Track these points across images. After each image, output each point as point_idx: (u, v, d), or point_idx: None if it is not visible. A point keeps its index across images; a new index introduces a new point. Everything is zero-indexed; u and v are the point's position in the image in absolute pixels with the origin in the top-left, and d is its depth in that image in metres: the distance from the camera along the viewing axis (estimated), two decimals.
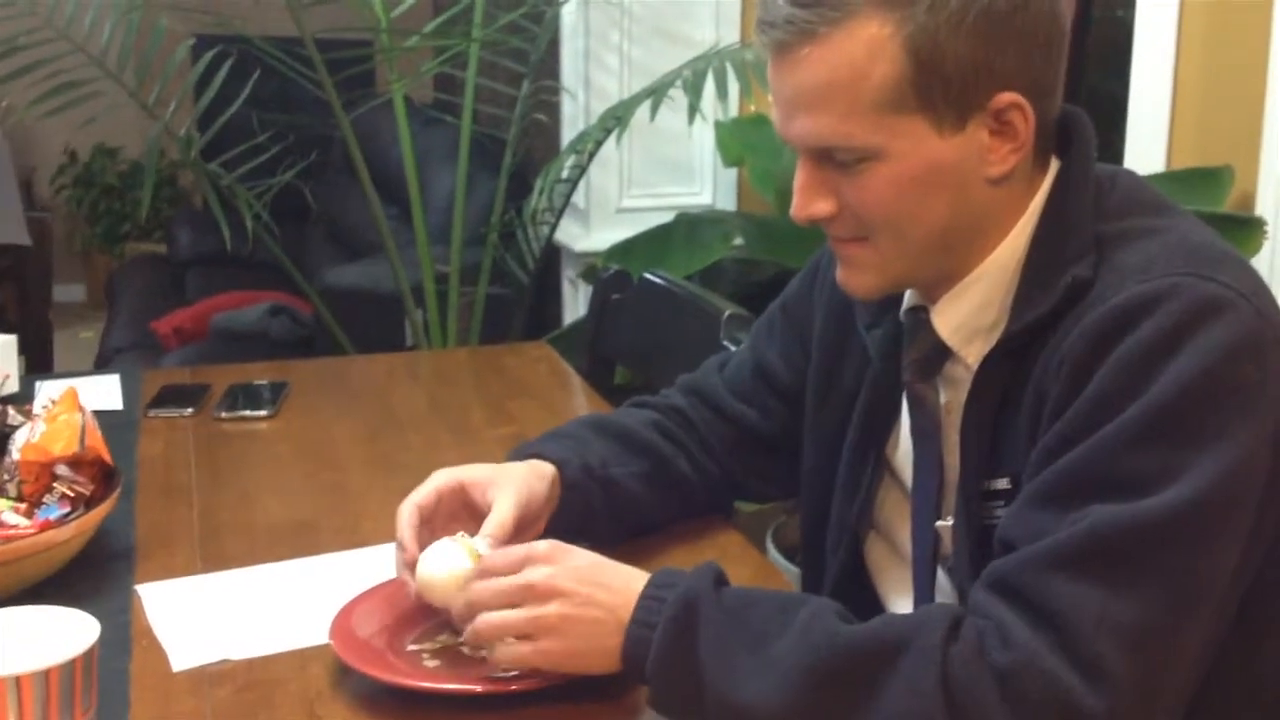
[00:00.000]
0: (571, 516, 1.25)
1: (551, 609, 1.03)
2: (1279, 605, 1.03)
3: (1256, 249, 1.96)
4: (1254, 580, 0.99)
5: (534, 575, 1.04)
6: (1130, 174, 1.12)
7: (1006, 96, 1.01)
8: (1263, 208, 2.02)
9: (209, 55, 2.78)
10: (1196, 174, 2.10)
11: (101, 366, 3.64)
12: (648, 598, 1.02)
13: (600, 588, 1.03)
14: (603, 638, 1.03)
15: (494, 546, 1.13)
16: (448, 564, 1.10)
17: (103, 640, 0.93)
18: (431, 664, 1.11)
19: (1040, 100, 1.03)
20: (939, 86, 1.00)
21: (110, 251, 5.51)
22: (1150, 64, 2.21)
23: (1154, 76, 2.21)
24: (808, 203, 1.07)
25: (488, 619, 1.04)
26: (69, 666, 0.88)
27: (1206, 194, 2.03)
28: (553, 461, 1.26)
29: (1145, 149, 2.21)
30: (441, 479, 1.20)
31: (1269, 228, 1.98)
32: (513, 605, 1.04)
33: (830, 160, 1.05)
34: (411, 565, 1.12)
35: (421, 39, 3.01)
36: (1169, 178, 2.12)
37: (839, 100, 1.01)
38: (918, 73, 1.00)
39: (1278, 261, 1.99)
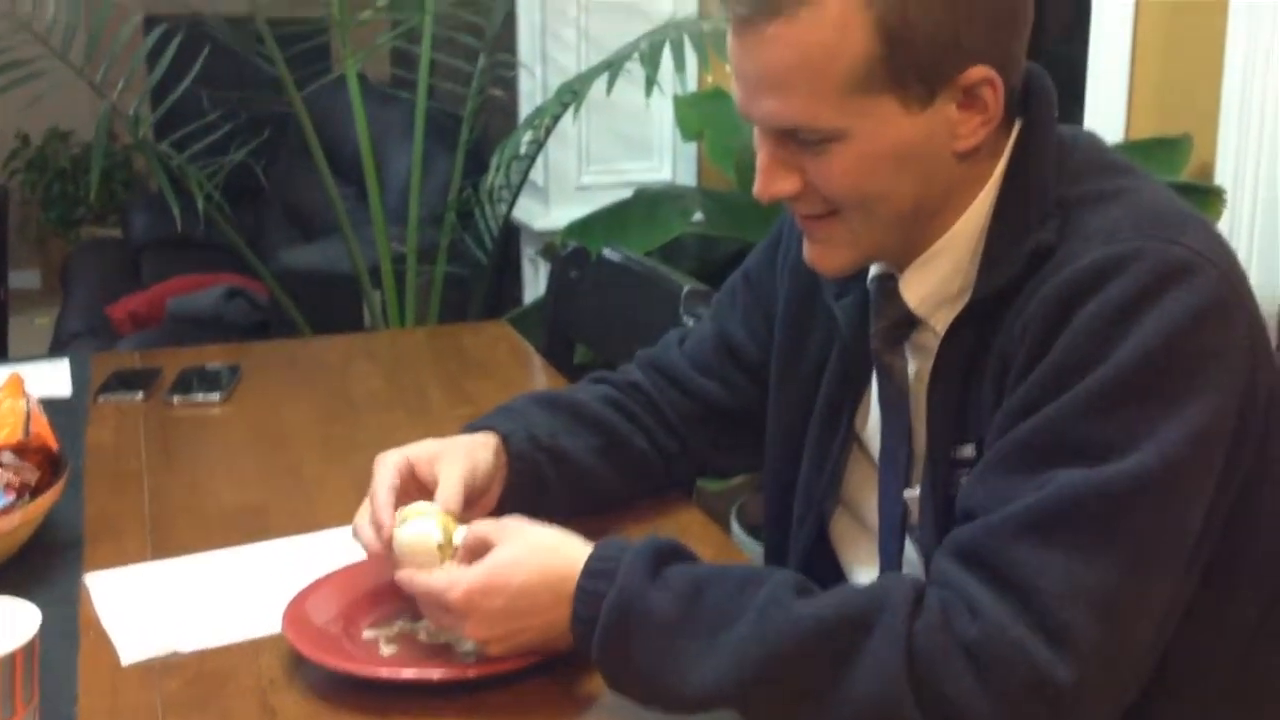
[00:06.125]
0: (524, 489, 1.24)
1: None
2: (1243, 567, 1.03)
3: (1216, 218, 1.95)
4: (1219, 542, 0.98)
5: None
6: (1091, 134, 1.11)
7: (977, 71, 0.99)
8: (1221, 177, 2.02)
9: (158, 32, 2.73)
10: (1156, 143, 2.09)
11: (56, 352, 3.58)
12: (585, 590, 1.01)
13: (527, 616, 1.02)
14: (551, 642, 1.03)
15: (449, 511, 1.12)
16: (417, 530, 1.08)
17: (50, 632, 0.91)
18: (388, 650, 1.09)
19: (1009, 72, 1.01)
20: (909, 64, 0.98)
21: (65, 236, 5.43)
22: (1109, 32, 2.20)
23: (1113, 45, 2.20)
24: (771, 182, 1.05)
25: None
26: (9, 659, 0.86)
27: (1165, 163, 2.03)
28: (497, 433, 1.24)
29: (1104, 118, 2.21)
30: (392, 460, 1.17)
31: (1228, 197, 1.98)
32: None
33: (793, 139, 1.02)
34: (389, 545, 1.10)
35: (375, 12, 2.97)
36: (1128, 147, 2.11)
37: (806, 82, 0.99)
38: (888, 52, 0.97)
39: (1236, 231, 1.99)
